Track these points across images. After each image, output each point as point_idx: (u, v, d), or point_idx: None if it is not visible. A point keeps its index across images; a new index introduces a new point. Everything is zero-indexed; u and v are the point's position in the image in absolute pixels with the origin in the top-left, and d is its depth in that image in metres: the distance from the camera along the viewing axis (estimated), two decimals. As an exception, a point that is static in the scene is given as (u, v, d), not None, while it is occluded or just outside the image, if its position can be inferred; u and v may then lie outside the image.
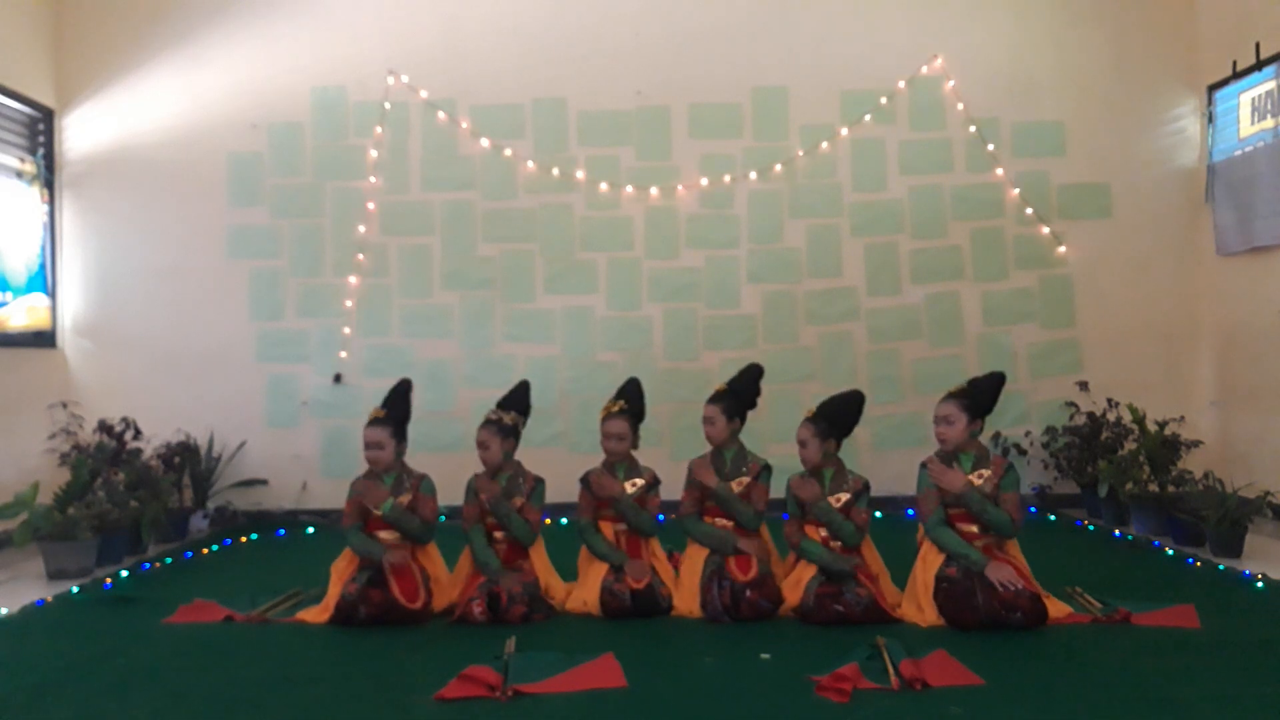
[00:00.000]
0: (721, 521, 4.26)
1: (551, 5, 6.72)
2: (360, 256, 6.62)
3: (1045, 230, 6.71)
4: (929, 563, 3.98)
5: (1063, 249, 6.71)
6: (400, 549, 4.16)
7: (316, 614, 4.11)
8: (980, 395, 4.12)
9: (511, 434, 4.36)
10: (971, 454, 4.08)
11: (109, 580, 4.87)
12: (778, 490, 4.30)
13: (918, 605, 3.93)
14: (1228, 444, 6.30)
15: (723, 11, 6.73)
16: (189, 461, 6.26)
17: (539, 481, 4.38)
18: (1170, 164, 6.74)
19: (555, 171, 6.68)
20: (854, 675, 3.17)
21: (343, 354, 6.62)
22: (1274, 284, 5.88)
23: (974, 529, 3.98)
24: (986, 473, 4.03)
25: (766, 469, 4.33)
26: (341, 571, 4.20)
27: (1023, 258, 6.73)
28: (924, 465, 4.08)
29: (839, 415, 4.29)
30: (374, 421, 4.29)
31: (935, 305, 6.73)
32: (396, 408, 4.37)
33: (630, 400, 4.43)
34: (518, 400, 4.48)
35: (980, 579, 3.79)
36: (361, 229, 6.64)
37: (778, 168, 6.71)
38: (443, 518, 4.66)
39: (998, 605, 3.74)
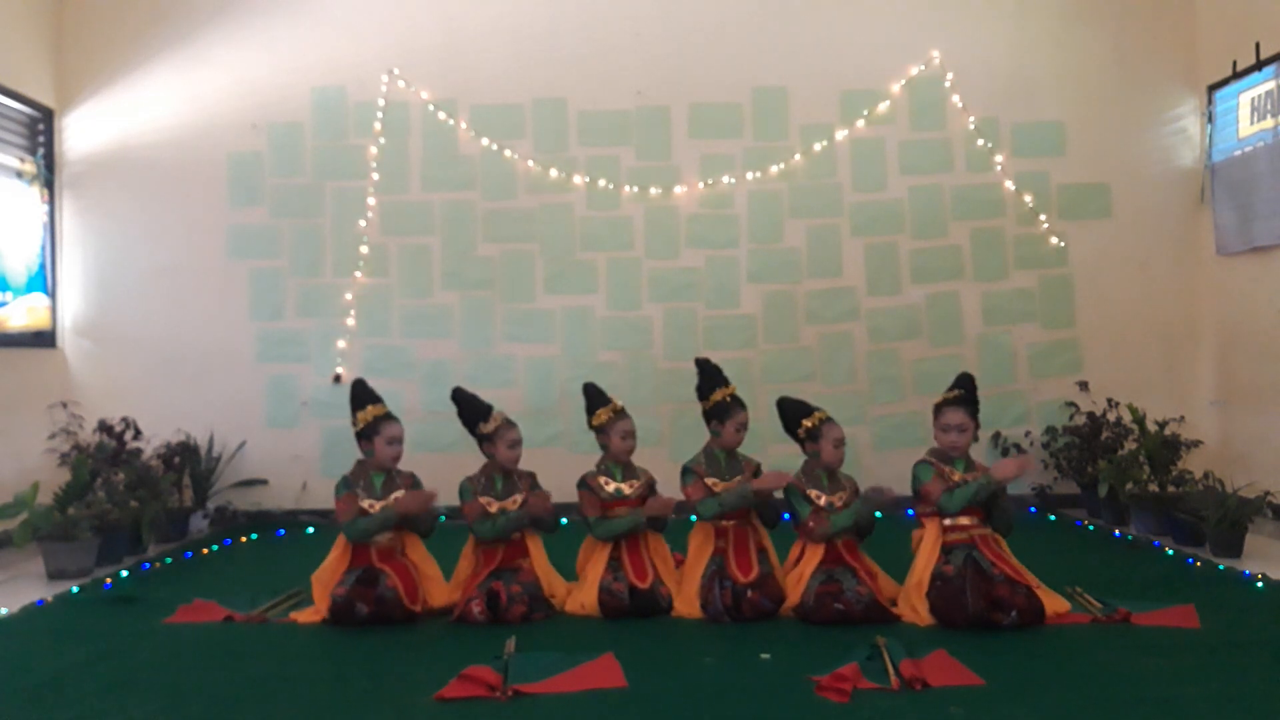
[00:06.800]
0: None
1: (551, 5, 6.71)
2: (363, 248, 6.61)
3: (1045, 230, 6.71)
4: (926, 561, 3.99)
5: (1062, 247, 6.71)
6: (390, 544, 4.18)
7: (309, 615, 4.11)
8: (976, 400, 4.18)
9: None
10: (964, 457, 4.16)
11: (109, 580, 4.86)
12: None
13: (912, 605, 3.94)
14: (1228, 444, 6.30)
15: (723, 11, 6.73)
16: (189, 461, 6.26)
17: (532, 474, 4.40)
18: (1170, 164, 6.73)
19: (555, 172, 6.68)
20: (854, 675, 3.17)
21: (340, 347, 6.61)
22: (1274, 284, 5.88)
23: (964, 520, 4.00)
24: (975, 474, 4.10)
25: (759, 467, 4.36)
26: (325, 582, 4.14)
27: (1023, 258, 6.73)
28: (922, 462, 4.12)
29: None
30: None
31: (935, 305, 6.72)
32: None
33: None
34: (481, 403, 4.46)
35: (973, 579, 3.79)
36: (362, 222, 6.63)
37: (776, 168, 6.71)
38: (443, 518, 4.67)
39: (989, 605, 3.75)
